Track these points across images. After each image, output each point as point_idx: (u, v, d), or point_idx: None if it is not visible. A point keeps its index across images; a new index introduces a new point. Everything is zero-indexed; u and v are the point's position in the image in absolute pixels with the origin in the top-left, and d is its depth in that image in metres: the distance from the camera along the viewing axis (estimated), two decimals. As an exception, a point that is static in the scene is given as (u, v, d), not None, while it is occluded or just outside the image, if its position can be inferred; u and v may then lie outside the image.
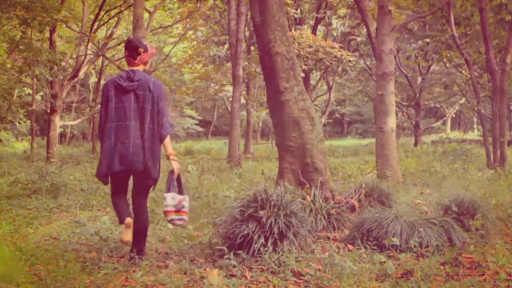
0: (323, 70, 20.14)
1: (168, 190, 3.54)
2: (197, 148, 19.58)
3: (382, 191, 5.42)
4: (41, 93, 20.84)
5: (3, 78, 14.66)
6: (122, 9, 15.99)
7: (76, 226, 4.78)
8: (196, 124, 36.04)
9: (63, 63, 14.77)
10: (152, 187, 3.60)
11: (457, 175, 9.10)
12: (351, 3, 17.65)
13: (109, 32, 17.40)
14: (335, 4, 18.65)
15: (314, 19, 19.64)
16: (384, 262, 3.61)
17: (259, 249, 3.55)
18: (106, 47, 16.48)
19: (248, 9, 13.00)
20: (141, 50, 3.55)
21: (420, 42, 14.71)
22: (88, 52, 15.37)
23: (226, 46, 19.62)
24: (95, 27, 15.65)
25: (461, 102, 23.19)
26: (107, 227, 4.74)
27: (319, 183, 5.07)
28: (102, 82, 19.04)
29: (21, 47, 12.74)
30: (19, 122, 23.22)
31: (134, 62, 3.56)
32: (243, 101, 20.14)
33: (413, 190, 7.26)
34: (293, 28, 17.34)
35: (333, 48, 16.00)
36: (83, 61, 14.72)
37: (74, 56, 16.11)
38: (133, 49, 3.54)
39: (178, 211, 3.53)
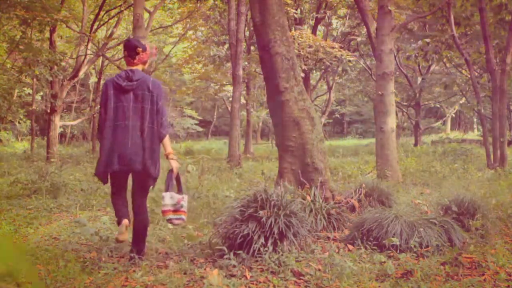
0: (323, 70, 20.15)
1: (167, 190, 3.54)
2: (197, 148, 19.58)
3: (382, 191, 5.42)
4: (41, 93, 20.84)
5: (3, 78, 14.66)
6: (122, 9, 15.98)
7: (76, 226, 4.77)
8: (196, 124, 36.04)
9: (63, 63, 14.77)
10: (151, 187, 3.61)
11: (457, 175, 9.10)
12: (351, 3, 17.65)
13: (109, 32, 17.39)
14: (335, 4, 18.64)
15: (314, 19, 19.64)
16: (384, 262, 3.61)
17: (259, 249, 3.55)
18: (106, 47, 16.48)
19: (248, 9, 13.00)
20: (140, 49, 3.55)
21: (420, 42, 14.70)
22: (88, 52, 15.37)
23: (226, 46, 19.62)
24: (95, 27, 15.65)
25: (461, 102, 23.18)
26: (107, 227, 4.74)
27: (319, 183, 5.07)
28: (102, 82, 19.03)
29: (21, 47, 12.75)
30: (19, 122, 23.22)
31: (133, 62, 3.56)
32: (243, 101, 20.14)
33: (413, 190, 7.26)
34: (293, 28, 17.34)
35: (333, 48, 16.00)
36: (83, 61, 14.72)
37: (74, 56, 16.11)
38: (131, 48, 3.55)
39: (176, 210, 3.53)
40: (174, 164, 3.56)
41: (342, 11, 19.88)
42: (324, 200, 4.89)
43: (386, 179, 7.48)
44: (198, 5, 17.66)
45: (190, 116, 35.49)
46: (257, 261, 3.52)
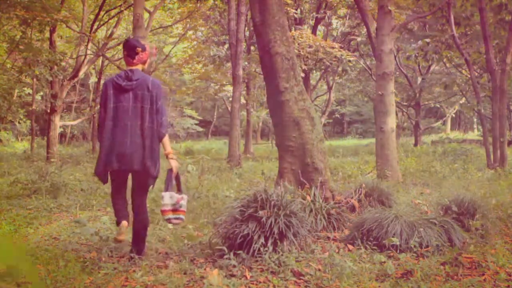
0: (323, 70, 20.14)
1: (167, 189, 3.55)
2: (197, 148, 19.59)
3: (382, 191, 5.42)
4: (41, 93, 20.83)
5: (3, 78, 14.66)
6: (122, 9, 15.98)
7: (76, 226, 4.77)
8: (196, 124, 36.04)
9: (63, 63, 14.77)
10: (151, 186, 3.61)
11: (457, 175, 9.10)
12: (351, 3, 17.65)
13: (109, 32, 17.39)
14: (335, 4, 18.64)
15: (314, 19, 19.64)
16: (384, 262, 3.61)
17: (259, 249, 3.55)
18: (106, 47, 16.48)
19: (248, 9, 13.00)
20: (139, 49, 3.56)
21: (420, 42, 14.71)
22: (88, 52, 15.37)
23: (226, 46, 19.62)
24: (95, 27, 15.64)
25: (461, 102, 23.19)
26: (107, 227, 4.74)
27: (319, 183, 5.07)
28: (102, 82, 19.02)
29: (21, 47, 12.74)
30: (19, 122, 23.22)
31: (133, 62, 3.57)
32: (243, 101, 20.14)
33: (413, 190, 7.26)
34: (293, 28, 17.34)
35: (333, 48, 16.00)
36: (83, 61, 14.72)
37: (74, 56, 16.11)
38: (131, 48, 3.55)
39: (175, 210, 3.54)
40: (174, 164, 3.56)
41: (342, 11, 19.88)
42: (324, 200, 4.89)
43: (386, 179, 7.48)
44: (198, 5, 17.66)
45: (190, 116, 35.49)
46: (257, 261, 3.52)
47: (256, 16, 5.39)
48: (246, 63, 18.08)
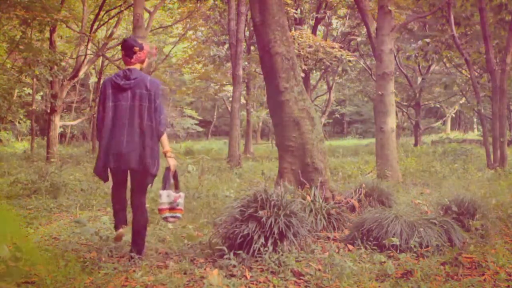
0: (323, 70, 20.14)
1: (164, 188, 3.56)
2: (197, 148, 19.59)
3: (382, 191, 5.42)
4: (41, 93, 20.83)
5: (3, 78, 14.66)
6: (122, 9, 15.98)
7: (76, 226, 4.77)
8: (196, 124, 36.04)
9: (63, 63, 14.77)
10: (150, 185, 3.62)
11: (457, 175, 9.11)
12: (351, 3, 17.65)
13: (109, 32, 17.39)
14: (335, 4, 18.64)
15: (314, 19, 19.64)
16: (384, 262, 3.61)
17: (259, 249, 3.55)
18: (106, 47, 16.48)
19: (248, 9, 13.00)
20: (137, 49, 3.57)
21: (420, 42, 14.71)
22: (88, 52, 15.37)
23: (226, 46, 19.62)
24: (95, 27, 15.64)
25: (461, 102, 23.19)
26: (107, 227, 4.74)
27: (319, 183, 5.07)
28: (102, 82, 18.97)
29: (21, 47, 12.74)
30: (19, 122, 23.21)
31: (131, 61, 3.59)
32: (243, 101, 20.14)
33: (413, 190, 7.26)
34: (293, 28, 17.34)
35: (333, 48, 16.00)
36: (83, 61, 14.72)
37: (74, 56, 16.11)
38: (128, 48, 3.57)
39: (172, 208, 3.55)
40: (172, 162, 3.57)
41: (342, 11, 19.88)
42: (324, 200, 4.89)
43: (386, 179, 7.48)
44: (198, 5, 17.66)
45: (190, 116, 35.49)
46: (257, 261, 3.52)
47: (256, 16, 5.39)
48: (246, 63, 18.08)
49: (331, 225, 4.56)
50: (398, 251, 3.80)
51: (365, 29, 12.71)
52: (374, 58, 11.40)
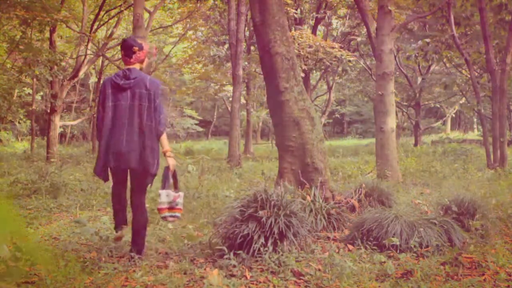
0: (323, 70, 20.14)
1: (164, 187, 3.56)
2: (197, 148, 19.58)
3: (382, 191, 5.42)
4: (41, 93, 20.83)
5: (3, 78, 14.65)
6: (122, 9, 15.98)
7: (76, 226, 4.77)
8: (196, 124, 36.04)
9: (63, 63, 14.76)
10: (149, 185, 3.62)
11: (457, 175, 9.10)
12: (351, 3, 17.65)
13: (109, 32, 17.39)
14: (335, 4, 18.64)
15: (314, 19, 19.64)
16: (384, 262, 3.61)
17: (259, 249, 3.55)
18: (106, 47, 16.48)
19: (248, 9, 13.00)
20: (136, 48, 3.58)
21: (420, 42, 14.71)
22: (88, 52, 15.37)
23: (226, 46, 19.62)
24: (95, 27, 15.64)
25: (461, 102, 23.19)
26: (107, 227, 4.73)
27: (319, 183, 5.07)
28: (102, 81, 18.97)
29: (21, 47, 12.74)
30: (19, 122, 23.21)
31: (130, 61, 3.59)
32: (243, 101, 20.14)
33: (413, 190, 7.26)
34: (293, 28, 17.34)
35: (333, 48, 16.00)
36: (83, 61, 14.72)
37: (74, 56, 16.10)
38: (128, 48, 3.58)
39: (171, 208, 3.55)
40: (171, 162, 3.58)
41: (342, 11, 19.88)
42: (324, 200, 4.89)
43: (386, 179, 7.48)
44: (198, 5, 17.66)
45: (190, 116, 35.49)
46: (257, 261, 3.52)
47: (256, 16, 5.39)
48: (246, 63, 18.08)
49: (331, 225, 4.56)
50: (398, 251, 3.80)
51: (365, 29, 12.71)
52: (374, 58, 11.40)
